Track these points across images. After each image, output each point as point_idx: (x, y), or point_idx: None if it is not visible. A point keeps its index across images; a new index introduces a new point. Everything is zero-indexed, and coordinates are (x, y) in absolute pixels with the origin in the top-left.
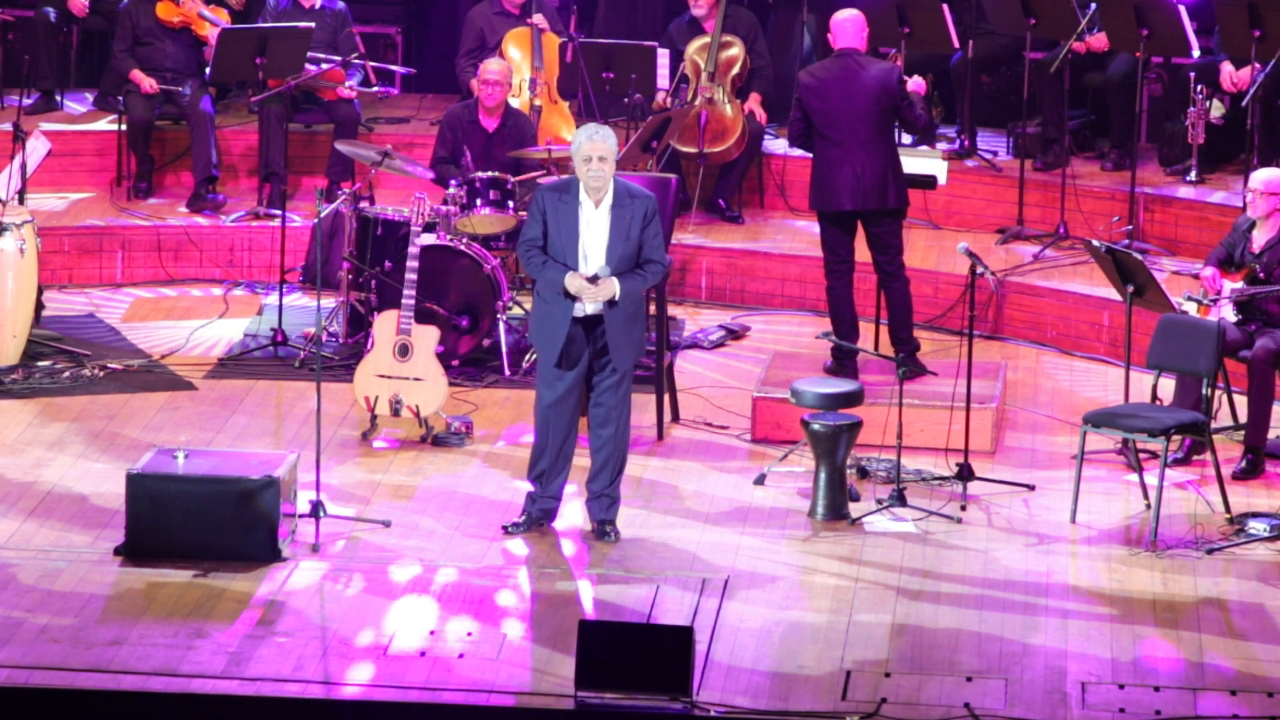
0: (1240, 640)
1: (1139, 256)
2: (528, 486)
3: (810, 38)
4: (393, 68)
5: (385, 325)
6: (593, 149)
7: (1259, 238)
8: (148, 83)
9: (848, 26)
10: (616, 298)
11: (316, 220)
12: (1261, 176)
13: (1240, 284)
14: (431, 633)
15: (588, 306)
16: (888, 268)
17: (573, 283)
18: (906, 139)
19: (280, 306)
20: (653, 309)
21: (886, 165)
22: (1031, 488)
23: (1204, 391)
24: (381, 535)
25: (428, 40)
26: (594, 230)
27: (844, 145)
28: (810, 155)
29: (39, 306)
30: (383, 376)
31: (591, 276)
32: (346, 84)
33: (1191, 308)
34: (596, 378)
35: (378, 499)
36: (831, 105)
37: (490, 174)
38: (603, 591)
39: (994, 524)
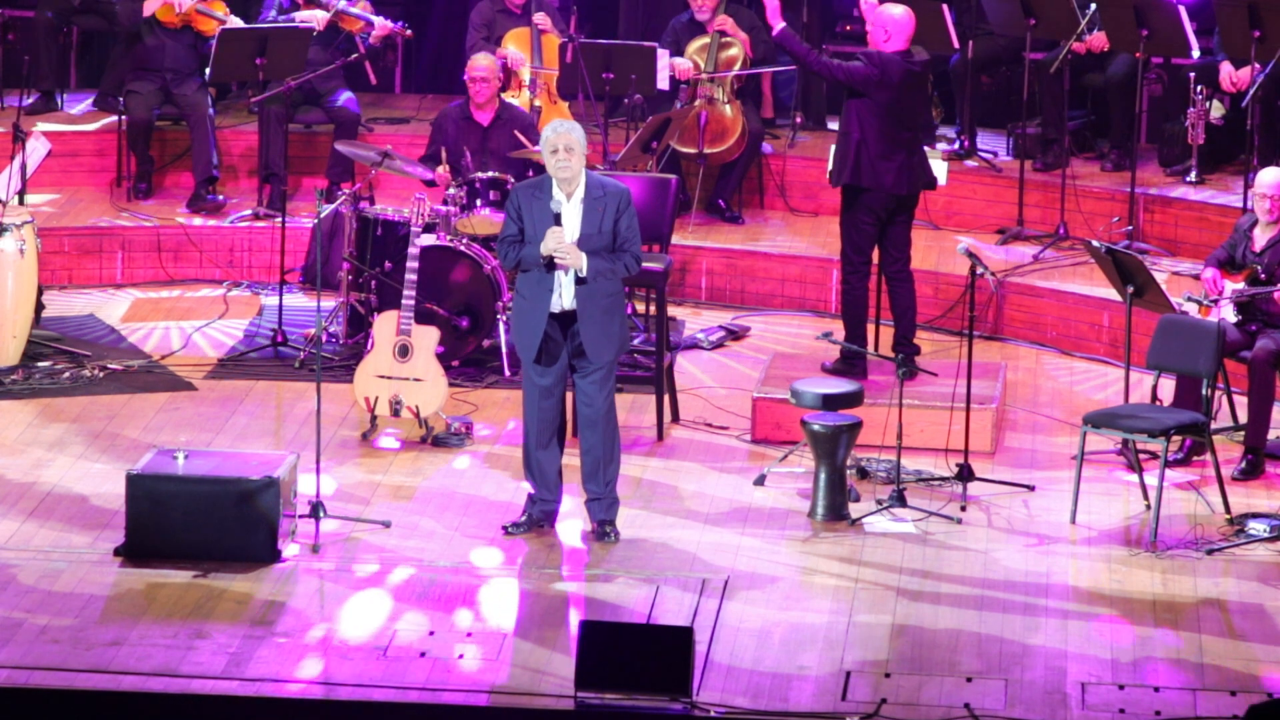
0: (1240, 640)
1: (1139, 257)
2: (528, 487)
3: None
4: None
5: (385, 326)
6: (558, 140)
7: (1260, 237)
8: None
9: (905, 24)
10: (584, 269)
11: (316, 220)
12: (1268, 180)
13: (1241, 285)
14: (431, 633)
15: (564, 300)
16: (905, 267)
17: (546, 241)
18: None
19: (280, 307)
20: (652, 309)
21: (921, 149)
22: (1031, 488)
23: (1204, 392)
24: (381, 535)
25: (428, 40)
26: (567, 223)
27: (902, 138)
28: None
29: (39, 306)
30: (383, 377)
31: (555, 216)
32: (369, 16)
33: (1192, 308)
34: (579, 377)
35: (378, 499)
36: (901, 106)
37: (490, 174)
38: (603, 591)
39: (994, 524)
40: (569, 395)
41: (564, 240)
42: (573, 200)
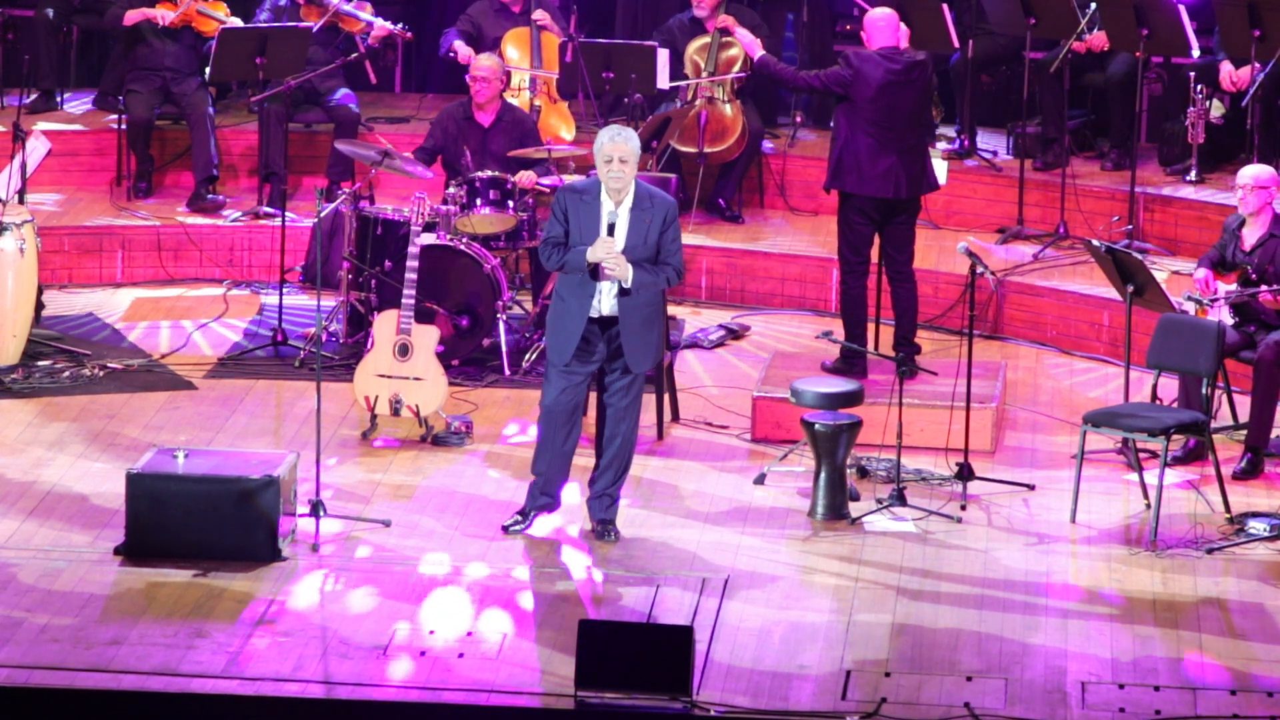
0: (1240, 640)
1: (1139, 256)
2: (528, 486)
3: (802, 37)
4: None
5: (385, 325)
6: (614, 150)
7: (1249, 235)
8: (157, 14)
9: (883, 25)
10: (629, 281)
11: (316, 220)
12: (1250, 172)
13: (1234, 286)
14: (431, 632)
15: (603, 306)
16: (905, 268)
17: (596, 249)
18: None
19: (280, 306)
20: None
21: (925, 152)
22: (1031, 488)
23: (1204, 391)
24: (381, 535)
25: (427, 40)
26: (615, 230)
27: (891, 141)
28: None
29: (39, 306)
30: (383, 376)
31: (609, 226)
32: (368, 17)
33: (1191, 307)
34: (609, 378)
35: (378, 499)
36: (884, 105)
37: (490, 174)
38: (602, 591)
39: (994, 524)
40: (591, 397)
41: (614, 250)
42: (621, 209)
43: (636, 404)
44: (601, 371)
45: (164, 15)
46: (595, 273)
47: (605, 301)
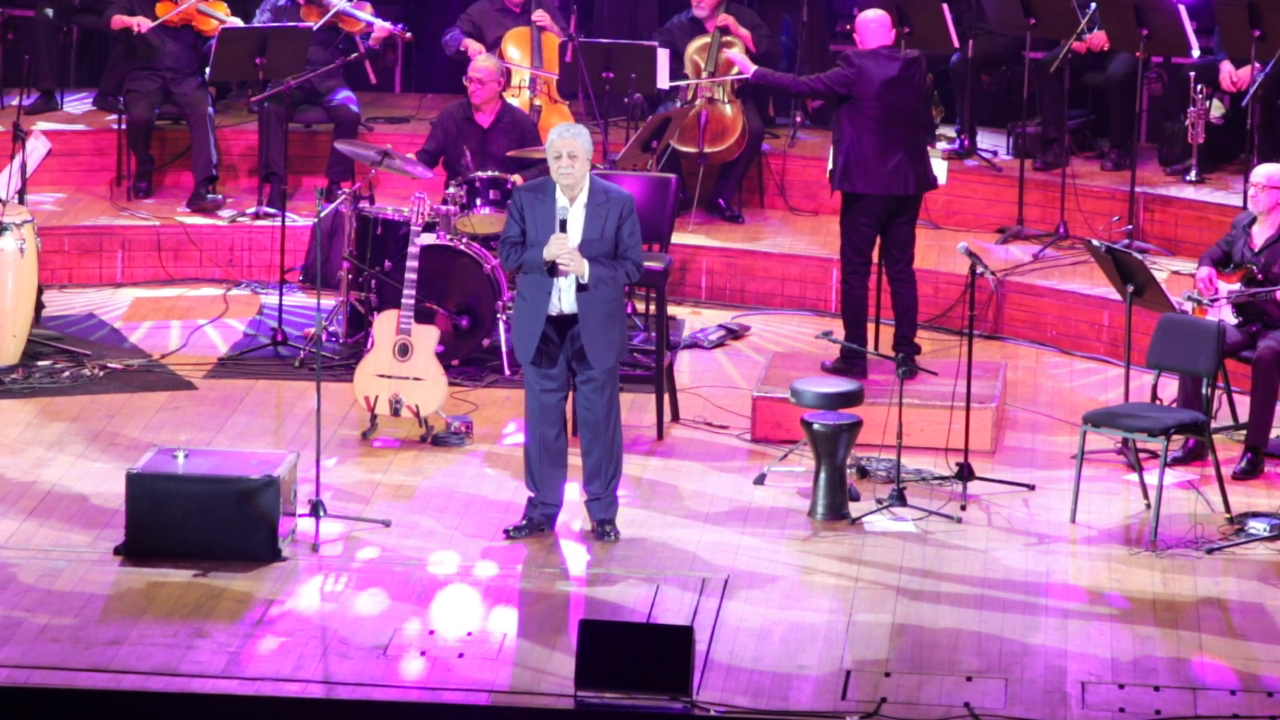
0: (1240, 640)
1: (1139, 256)
2: (526, 500)
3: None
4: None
5: (385, 325)
6: (563, 146)
7: (1259, 234)
8: (134, 21)
9: (876, 25)
10: (585, 277)
11: (316, 220)
12: (1264, 171)
13: (1237, 285)
14: (431, 632)
15: (563, 304)
16: (906, 268)
17: (550, 246)
18: None
19: (280, 306)
20: (652, 309)
21: (925, 149)
22: (1031, 488)
23: (1204, 391)
24: (381, 535)
25: (427, 40)
26: (570, 228)
27: (897, 137)
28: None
29: (39, 306)
30: (383, 376)
31: (561, 223)
32: (372, 19)
33: (1190, 306)
34: (579, 379)
35: (378, 499)
36: (887, 103)
37: (490, 174)
38: (603, 591)
39: (994, 524)
40: (570, 398)
41: (567, 246)
42: (575, 204)
43: (614, 402)
44: (573, 373)
45: (141, 23)
46: (553, 270)
47: (565, 298)
